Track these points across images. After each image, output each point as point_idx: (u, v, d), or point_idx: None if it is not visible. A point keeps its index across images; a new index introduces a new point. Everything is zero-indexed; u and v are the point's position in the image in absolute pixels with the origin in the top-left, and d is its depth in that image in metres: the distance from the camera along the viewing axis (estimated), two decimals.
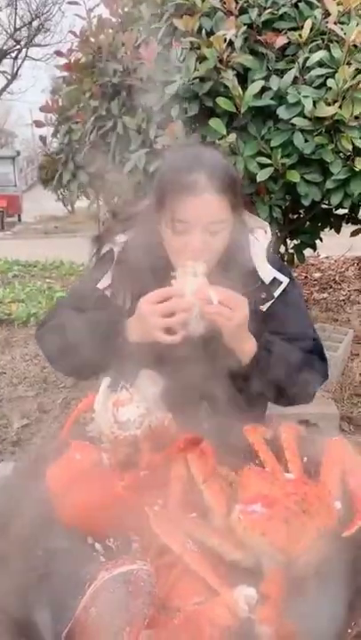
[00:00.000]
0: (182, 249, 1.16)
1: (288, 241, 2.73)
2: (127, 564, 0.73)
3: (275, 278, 1.27)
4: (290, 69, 1.97)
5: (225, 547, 0.82)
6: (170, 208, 1.13)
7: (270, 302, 1.27)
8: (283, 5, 2.06)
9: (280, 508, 0.84)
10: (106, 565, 0.75)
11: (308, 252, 2.89)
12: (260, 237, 1.29)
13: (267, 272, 1.28)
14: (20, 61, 17.29)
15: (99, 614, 0.69)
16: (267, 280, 1.27)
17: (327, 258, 5.55)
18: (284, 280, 1.28)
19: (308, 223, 2.50)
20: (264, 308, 1.27)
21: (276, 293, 1.27)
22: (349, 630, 0.69)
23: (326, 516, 0.86)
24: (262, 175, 1.96)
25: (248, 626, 0.69)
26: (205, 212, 1.12)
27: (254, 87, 1.93)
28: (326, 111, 1.87)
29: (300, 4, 2.10)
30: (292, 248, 2.80)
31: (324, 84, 1.93)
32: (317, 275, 5.16)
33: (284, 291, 1.28)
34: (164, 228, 1.18)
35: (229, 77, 1.91)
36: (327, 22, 1.96)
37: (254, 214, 1.36)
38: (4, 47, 16.45)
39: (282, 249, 2.72)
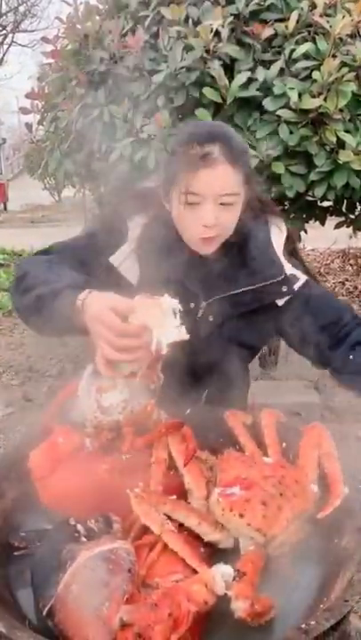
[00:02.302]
0: (194, 224, 1.14)
1: None
2: (108, 544, 0.76)
3: (292, 274, 1.24)
4: (276, 61, 1.97)
5: (204, 527, 0.85)
6: (182, 180, 1.11)
7: (289, 297, 1.24)
8: None
9: (258, 491, 0.86)
10: (87, 545, 0.77)
11: None
12: (274, 234, 1.26)
13: (286, 266, 1.24)
14: (6, 47, 17.01)
15: (79, 591, 0.71)
16: (287, 273, 1.24)
17: (313, 250, 5.59)
18: (302, 277, 1.26)
19: (293, 215, 2.52)
20: (280, 302, 1.24)
21: (297, 287, 1.24)
22: (321, 605, 0.72)
23: (303, 498, 0.89)
24: None
25: (224, 601, 0.71)
26: (218, 183, 1.11)
27: (240, 78, 1.93)
28: (311, 103, 1.88)
29: None
30: None
31: (309, 77, 1.93)
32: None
33: (305, 287, 1.25)
34: (175, 202, 1.16)
35: (216, 67, 1.91)
36: (313, 14, 1.97)
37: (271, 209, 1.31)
38: None
39: None
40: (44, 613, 0.71)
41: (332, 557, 0.84)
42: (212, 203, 1.11)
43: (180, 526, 0.85)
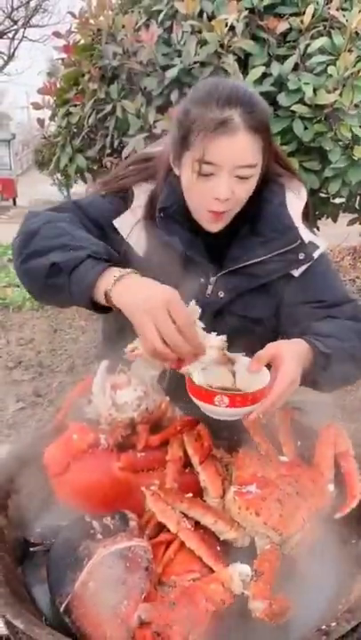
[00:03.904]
0: (205, 196, 1.03)
1: None
2: (125, 541, 0.75)
3: (311, 242, 1.14)
4: (291, 56, 1.95)
5: (220, 526, 0.84)
6: (196, 146, 1.00)
7: (306, 265, 1.13)
8: None
9: (274, 490, 0.86)
10: (104, 542, 0.77)
11: None
12: (293, 199, 1.16)
13: (304, 232, 1.13)
14: (16, 42, 16.99)
15: (97, 589, 0.70)
16: (306, 239, 1.13)
17: None
18: (322, 245, 1.15)
19: None
20: (297, 272, 1.14)
21: (316, 254, 1.13)
22: (340, 606, 0.72)
23: (319, 497, 0.89)
24: None
25: (242, 601, 0.71)
26: (237, 153, 1.00)
27: (255, 73, 1.92)
28: (326, 99, 1.86)
29: None
30: None
31: (324, 72, 1.92)
32: None
33: (323, 256, 1.15)
34: (186, 170, 1.05)
35: (230, 62, 1.90)
36: (329, 8, 1.95)
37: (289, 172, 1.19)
38: (1, 27, 16.14)
39: None
40: (61, 610, 0.71)
41: (350, 558, 0.83)
42: (227, 174, 1.01)
43: (196, 524, 0.85)
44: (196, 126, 1.00)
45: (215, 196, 1.02)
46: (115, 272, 0.90)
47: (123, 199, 1.15)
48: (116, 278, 0.89)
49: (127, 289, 0.89)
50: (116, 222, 1.12)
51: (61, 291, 0.95)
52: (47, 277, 0.96)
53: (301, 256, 1.12)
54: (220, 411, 0.89)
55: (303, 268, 1.13)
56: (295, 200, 1.15)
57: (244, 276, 1.12)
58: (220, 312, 1.13)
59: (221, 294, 1.13)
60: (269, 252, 1.11)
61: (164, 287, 0.88)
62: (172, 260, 1.06)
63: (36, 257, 0.98)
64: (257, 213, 1.12)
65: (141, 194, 1.14)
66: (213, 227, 1.09)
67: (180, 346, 0.84)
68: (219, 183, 1.01)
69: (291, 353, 0.96)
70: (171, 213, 1.11)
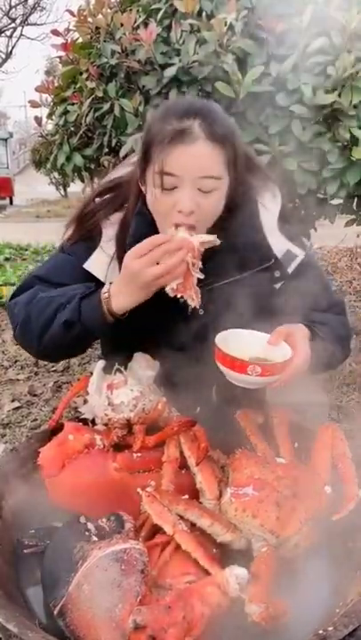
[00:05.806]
0: (170, 210, 1.02)
1: None
2: (120, 543, 0.74)
3: (288, 250, 1.15)
4: (290, 55, 1.95)
5: (216, 528, 0.84)
6: (157, 158, 1.00)
7: (284, 281, 1.16)
8: None
9: (271, 492, 0.85)
10: (99, 544, 0.76)
11: None
12: (267, 204, 1.15)
13: (279, 245, 1.15)
14: (14, 40, 16.96)
15: (91, 591, 0.70)
16: (280, 254, 1.14)
17: (320, 248, 5.56)
18: (300, 254, 1.15)
19: (303, 212, 2.50)
20: (277, 285, 1.16)
21: (291, 269, 1.15)
22: (337, 610, 0.71)
23: (316, 499, 0.88)
24: None
25: (238, 604, 0.70)
26: (197, 162, 0.99)
27: (254, 72, 1.90)
28: (325, 99, 1.86)
29: None
30: None
31: (323, 72, 1.91)
32: None
33: (301, 266, 1.16)
34: (150, 185, 1.05)
35: (229, 62, 1.89)
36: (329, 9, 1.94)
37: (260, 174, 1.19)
38: None
39: None
40: (55, 613, 0.70)
41: (347, 561, 0.83)
42: (189, 186, 1.00)
43: (192, 526, 0.84)
44: (156, 139, 1.01)
45: (178, 208, 1.01)
46: (103, 295, 1.03)
47: (89, 239, 1.16)
48: (106, 298, 1.02)
49: (116, 297, 1.01)
50: (87, 265, 1.14)
51: (86, 336, 1.08)
52: (66, 334, 1.05)
53: (277, 274, 1.16)
54: (249, 379, 0.97)
55: (282, 282, 1.17)
56: (267, 213, 1.16)
57: (222, 294, 1.12)
58: (201, 329, 1.13)
59: (201, 312, 1.14)
60: (245, 270, 1.13)
61: (124, 267, 1.00)
62: None
63: (47, 330, 1.07)
64: (230, 233, 1.10)
65: (109, 228, 1.15)
66: None
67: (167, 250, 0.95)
68: (181, 195, 1.00)
69: (301, 334, 1.05)
70: (143, 236, 1.09)
